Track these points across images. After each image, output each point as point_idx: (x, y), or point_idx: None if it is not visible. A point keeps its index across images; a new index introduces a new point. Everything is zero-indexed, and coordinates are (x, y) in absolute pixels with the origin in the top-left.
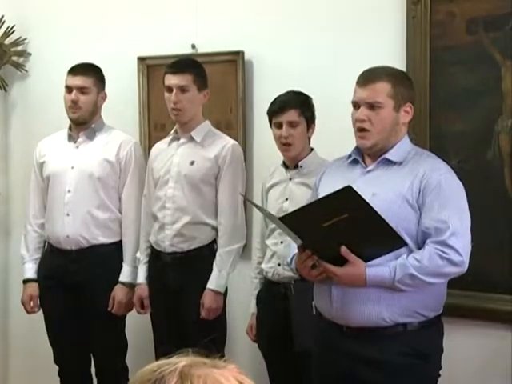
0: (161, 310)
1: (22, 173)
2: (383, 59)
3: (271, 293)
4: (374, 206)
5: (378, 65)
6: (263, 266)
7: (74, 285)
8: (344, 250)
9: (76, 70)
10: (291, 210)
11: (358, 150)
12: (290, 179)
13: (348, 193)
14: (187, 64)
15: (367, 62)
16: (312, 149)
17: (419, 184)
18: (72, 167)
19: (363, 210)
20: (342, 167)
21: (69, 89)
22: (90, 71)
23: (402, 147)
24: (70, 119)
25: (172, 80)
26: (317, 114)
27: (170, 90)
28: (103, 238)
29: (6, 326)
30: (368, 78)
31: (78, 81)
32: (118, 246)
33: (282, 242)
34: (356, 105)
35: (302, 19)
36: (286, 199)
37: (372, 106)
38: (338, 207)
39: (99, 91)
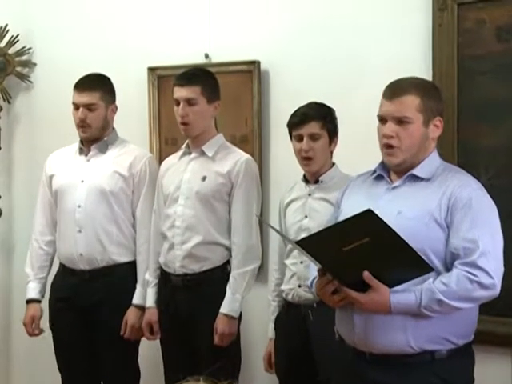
0: (171, 335)
1: (25, 189)
2: (408, 69)
3: (291, 316)
4: (399, 225)
5: (402, 75)
6: (282, 287)
7: (86, 307)
8: (367, 275)
9: (81, 86)
10: (311, 227)
11: (383, 164)
12: (310, 195)
13: (368, 216)
14: (195, 75)
15: (391, 73)
16: (334, 163)
17: (448, 201)
18: (82, 181)
19: (385, 235)
20: (366, 183)
21: (76, 106)
22: (96, 85)
23: (431, 163)
24: (80, 138)
25: (179, 92)
26: (339, 127)
27: (177, 102)
28: (118, 257)
29: (8, 349)
30: (395, 91)
31: (83, 97)
32: (133, 265)
33: (301, 262)
34: (382, 119)
35: (322, 27)
36: (306, 216)
37: (400, 121)
38: (358, 231)
39: (108, 104)
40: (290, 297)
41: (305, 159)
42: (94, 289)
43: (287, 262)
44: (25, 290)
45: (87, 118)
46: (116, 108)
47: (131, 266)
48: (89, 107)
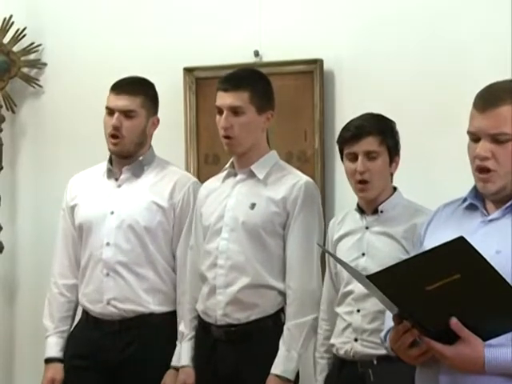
0: None
1: (32, 220)
2: (506, 69)
3: (344, 376)
4: (497, 267)
5: (499, 77)
6: (332, 340)
7: (112, 367)
8: (455, 323)
9: (120, 87)
10: (370, 268)
11: (475, 191)
12: (367, 228)
13: (461, 247)
14: (242, 78)
15: (485, 74)
16: (395, 188)
17: None
18: (112, 212)
19: (481, 271)
20: (455, 214)
21: (110, 111)
22: (138, 89)
23: None
24: (111, 151)
25: (222, 99)
26: (416, 140)
27: (220, 111)
28: (154, 306)
29: None
30: (489, 100)
31: (121, 101)
32: (173, 317)
33: (358, 311)
34: (474, 136)
35: (404, 16)
36: (363, 254)
37: (496, 139)
38: (446, 265)
39: (150, 115)
40: (342, 352)
41: (360, 183)
42: (123, 344)
43: (339, 310)
44: (29, 340)
45: (123, 128)
46: (158, 122)
47: (170, 318)
48: (126, 114)
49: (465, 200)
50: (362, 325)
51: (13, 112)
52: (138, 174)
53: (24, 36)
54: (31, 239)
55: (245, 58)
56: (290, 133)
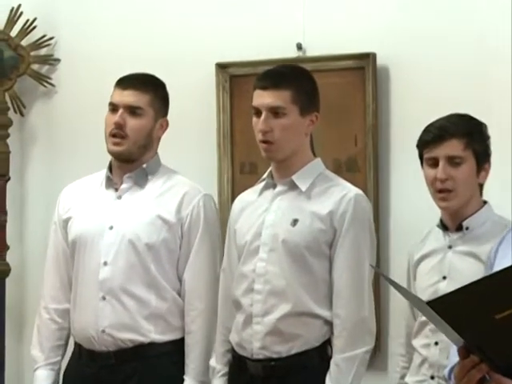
0: None
1: (43, 237)
2: None
3: None
4: None
5: None
6: (407, 379)
7: None
8: None
9: (126, 82)
10: None
11: None
12: (450, 247)
13: None
14: (285, 74)
15: None
16: (485, 202)
17: None
18: (110, 227)
19: None
20: None
21: (113, 107)
22: (147, 85)
23: None
24: (111, 153)
25: (261, 98)
26: (495, 148)
27: (258, 112)
28: (156, 335)
29: None
30: None
31: (127, 96)
32: (178, 347)
33: (436, 344)
34: None
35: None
36: (444, 277)
37: None
38: None
39: (158, 116)
40: None
41: (441, 191)
42: (120, 380)
43: (415, 342)
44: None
45: (126, 126)
46: (167, 124)
47: (175, 348)
48: (132, 111)
49: None
50: (440, 360)
51: (21, 115)
52: (140, 183)
53: (34, 28)
54: (42, 260)
55: (286, 52)
56: (337, 138)
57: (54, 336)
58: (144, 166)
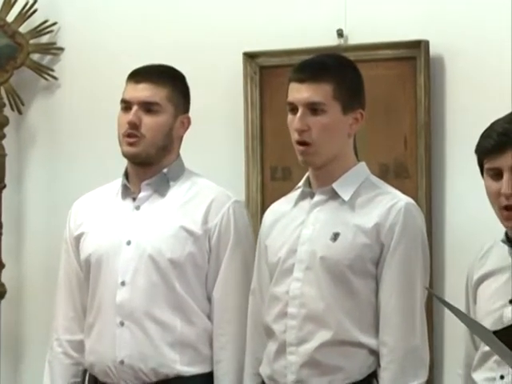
0: None
1: (42, 254)
2: None
3: None
4: None
5: None
6: None
7: None
8: None
9: (141, 75)
10: None
11: None
12: None
13: None
14: (325, 65)
15: None
16: None
17: None
18: (128, 242)
19: None
20: None
21: (126, 104)
22: (164, 78)
23: None
24: (126, 155)
25: (297, 93)
26: None
27: (294, 109)
28: (183, 367)
29: None
30: None
31: (142, 91)
32: (208, 380)
33: (502, 377)
34: None
35: None
36: (511, 301)
37: None
38: None
39: (178, 113)
40: None
41: (505, 209)
42: None
43: (476, 376)
44: None
45: (142, 125)
46: (189, 122)
47: (206, 381)
48: (147, 107)
49: None
50: None
51: (19, 113)
52: (161, 191)
53: (34, 12)
54: (40, 280)
55: (325, 39)
56: (384, 139)
57: (69, 372)
58: (165, 170)
